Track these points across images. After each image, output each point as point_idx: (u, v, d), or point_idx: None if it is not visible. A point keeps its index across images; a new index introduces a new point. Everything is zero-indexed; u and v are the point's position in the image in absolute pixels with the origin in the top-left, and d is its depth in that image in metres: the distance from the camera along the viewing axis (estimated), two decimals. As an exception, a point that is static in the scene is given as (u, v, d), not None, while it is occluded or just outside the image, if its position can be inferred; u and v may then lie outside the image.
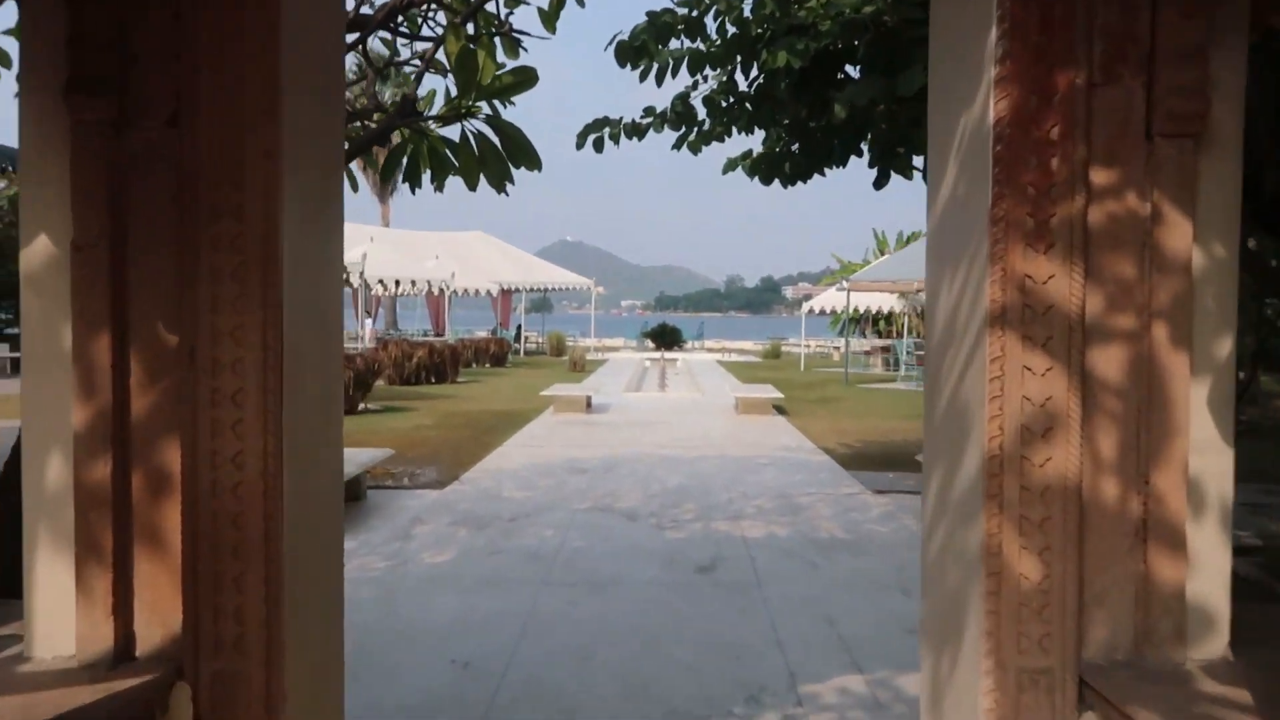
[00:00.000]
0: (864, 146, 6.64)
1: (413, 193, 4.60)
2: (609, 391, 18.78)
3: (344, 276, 15.48)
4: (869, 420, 14.43)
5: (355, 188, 6.12)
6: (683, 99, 6.74)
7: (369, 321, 26.30)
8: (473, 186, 4.21)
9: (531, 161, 4.12)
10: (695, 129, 6.84)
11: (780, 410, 15.42)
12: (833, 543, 6.68)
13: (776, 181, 7.05)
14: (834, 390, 20.12)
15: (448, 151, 4.32)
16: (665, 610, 5.18)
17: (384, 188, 44.90)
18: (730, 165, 7.39)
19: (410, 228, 40.51)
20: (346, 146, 4.22)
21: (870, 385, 21.69)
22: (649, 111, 6.75)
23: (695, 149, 6.94)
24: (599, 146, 6.69)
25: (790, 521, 7.33)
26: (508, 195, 4.38)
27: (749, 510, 7.74)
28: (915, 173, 6.99)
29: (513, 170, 4.20)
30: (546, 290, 39.97)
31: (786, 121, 6.62)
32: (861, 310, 28.65)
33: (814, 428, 13.37)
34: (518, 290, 37.66)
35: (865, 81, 5.19)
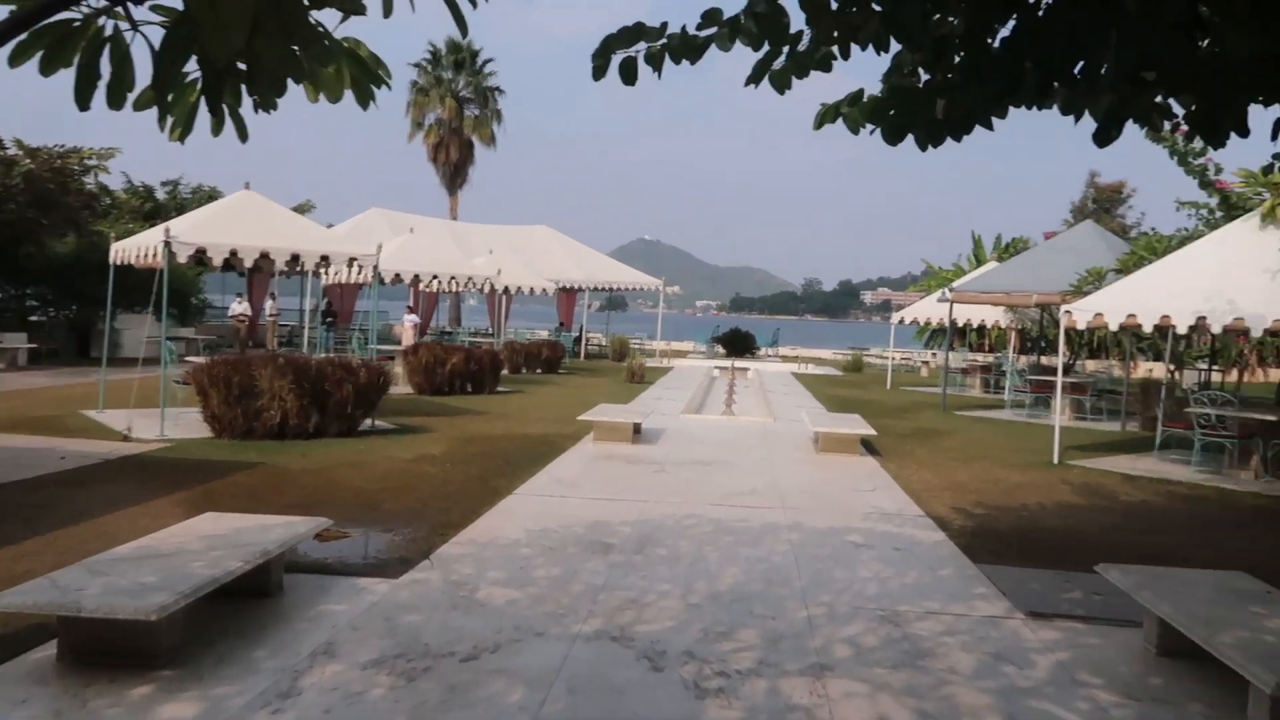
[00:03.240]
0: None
1: (114, 105, 2.10)
2: (666, 411, 16.12)
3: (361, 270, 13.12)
4: (984, 468, 11.50)
5: (244, 136, 3.61)
6: (766, -5, 4.07)
7: (409, 318, 24.06)
8: (224, 55, 1.66)
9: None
10: (786, 48, 4.13)
11: (870, 448, 12.58)
12: (989, 750, 3.93)
13: (908, 141, 4.30)
14: (931, 419, 17.13)
15: None
16: None
17: (453, 180, 42.97)
18: (829, 114, 4.57)
19: (482, 222, 38.34)
20: None
21: (972, 413, 18.63)
22: (711, 17, 4.02)
23: (782, 81, 4.18)
24: (629, 74, 4.03)
25: (909, 683, 4.58)
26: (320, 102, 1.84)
27: (840, 650, 5.01)
28: (1168, 122, 4.23)
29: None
30: (614, 290, 37.47)
31: (950, 26, 3.91)
32: (960, 323, 25.44)
33: (917, 479, 10.51)
34: (582, 289, 35.25)
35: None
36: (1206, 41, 3.89)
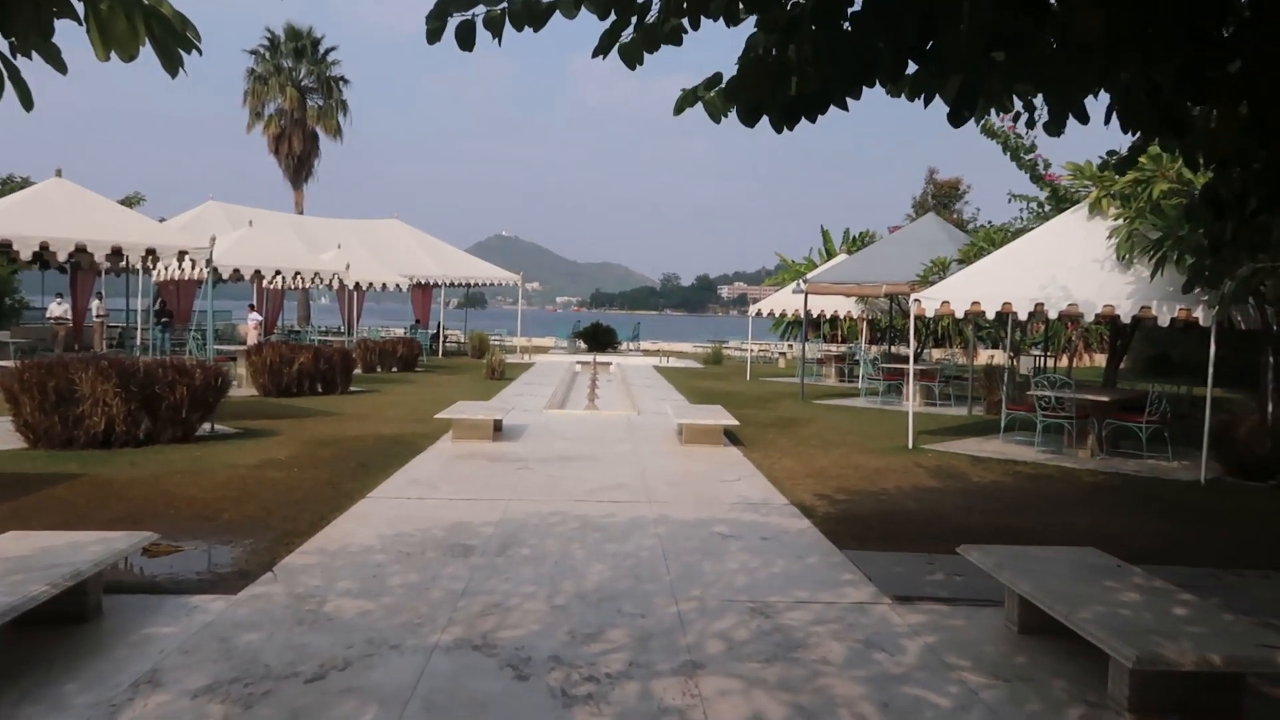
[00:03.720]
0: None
1: None
2: (528, 407, 15.78)
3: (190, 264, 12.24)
4: (843, 454, 11.69)
5: (28, 103, 3.22)
6: (614, -40, 3.86)
7: (253, 317, 22.80)
8: None
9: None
10: (635, 19, 3.94)
11: (733, 438, 12.62)
12: (866, 741, 3.84)
13: (762, 124, 4.18)
14: (791, 408, 17.40)
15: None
16: None
17: (297, 173, 41.20)
18: (688, 98, 4.40)
19: (330, 216, 36.67)
20: None
21: (829, 401, 19.05)
22: (558, -20, 3.78)
23: (631, 55, 3.99)
24: (466, 39, 3.72)
25: (783, 677, 4.47)
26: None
27: (712, 646, 4.86)
28: (1030, 105, 4.32)
29: None
30: (471, 285, 36.62)
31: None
32: (814, 314, 26.05)
33: (779, 467, 10.56)
34: (438, 285, 34.37)
35: None
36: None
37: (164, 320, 26.41)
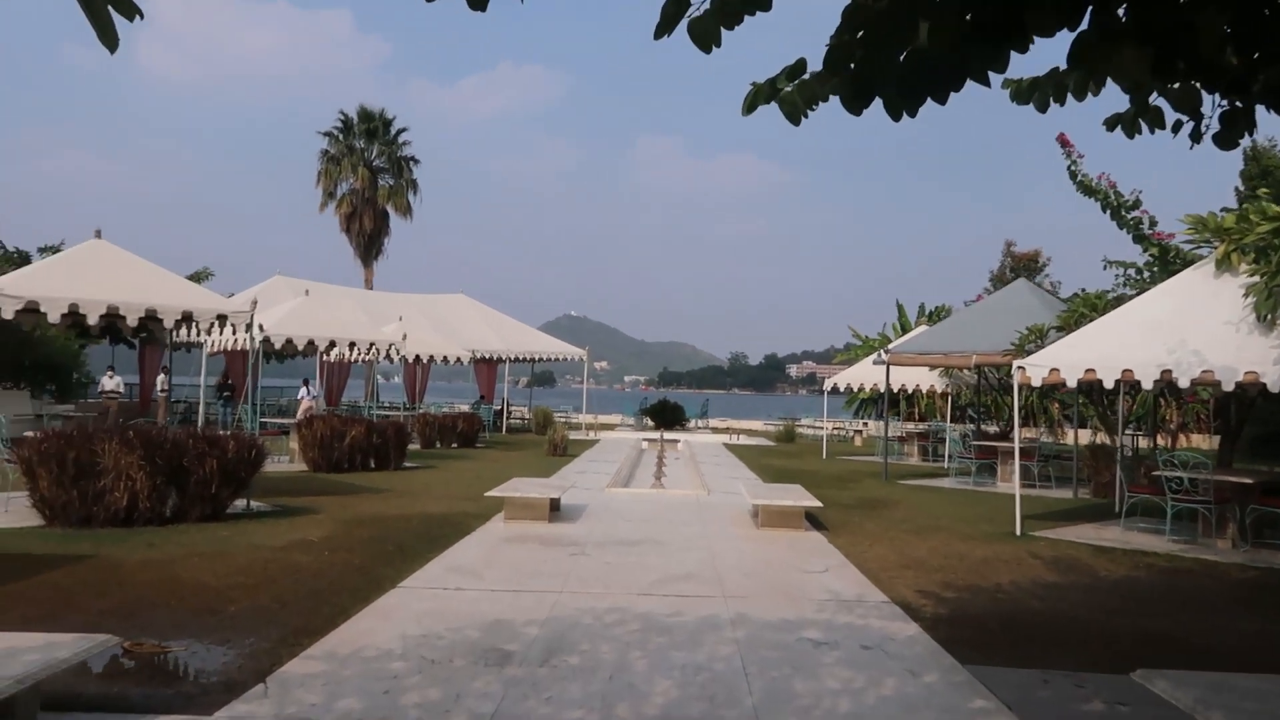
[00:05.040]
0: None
1: None
2: (589, 485, 14.65)
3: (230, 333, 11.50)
4: (942, 541, 10.27)
5: None
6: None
7: (304, 391, 22.21)
8: None
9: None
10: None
11: (815, 521, 11.29)
12: None
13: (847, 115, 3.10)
14: (874, 488, 15.95)
15: None
16: None
17: (368, 251, 41.48)
18: (761, 93, 3.34)
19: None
20: None
21: (915, 481, 17.53)
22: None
23: (706, 34, 2.97)
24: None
25: None
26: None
27: (815, 808, 3.60)
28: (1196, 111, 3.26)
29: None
30: (537, 360, 35.92)
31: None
32: (895, 389, 24.58)
33: (871, 556, 9.21)
34: (502, 360, 33.72)
35: None
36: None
37: (226, 394, 26.09)
